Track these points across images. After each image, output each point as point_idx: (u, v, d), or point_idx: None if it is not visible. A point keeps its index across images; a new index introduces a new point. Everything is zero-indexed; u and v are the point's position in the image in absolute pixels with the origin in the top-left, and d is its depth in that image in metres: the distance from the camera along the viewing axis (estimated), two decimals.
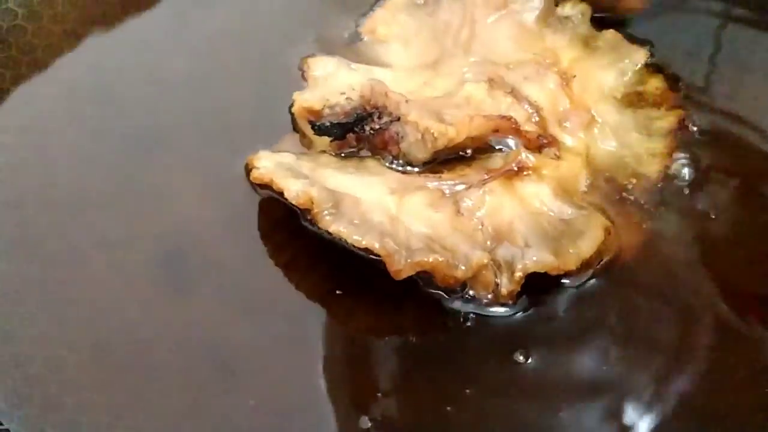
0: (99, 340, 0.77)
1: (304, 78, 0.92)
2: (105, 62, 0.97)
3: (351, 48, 0.97)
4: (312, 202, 0.76)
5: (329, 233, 0.76)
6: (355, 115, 0.83)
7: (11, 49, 0.96)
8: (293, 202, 0.76)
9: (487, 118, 0.83)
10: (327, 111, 0.84)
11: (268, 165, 0.81)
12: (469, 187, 0.81)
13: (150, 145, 0.90)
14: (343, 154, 0.85)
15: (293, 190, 0.76)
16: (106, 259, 0.82)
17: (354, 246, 0.75)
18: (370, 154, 0.85)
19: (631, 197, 0.87)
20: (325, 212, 0.76)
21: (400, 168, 0.84)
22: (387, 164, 0.84)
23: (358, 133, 0.84)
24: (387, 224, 0.77)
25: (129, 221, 0.85)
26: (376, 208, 0.78)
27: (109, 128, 0.91)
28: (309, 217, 0.77)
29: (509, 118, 0.84)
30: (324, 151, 0.86)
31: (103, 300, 0.80)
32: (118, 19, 0.99)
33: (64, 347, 0.77)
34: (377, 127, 0.83)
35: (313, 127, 0.83)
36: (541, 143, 0.86)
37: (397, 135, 0.83)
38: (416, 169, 0.84)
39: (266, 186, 0.80)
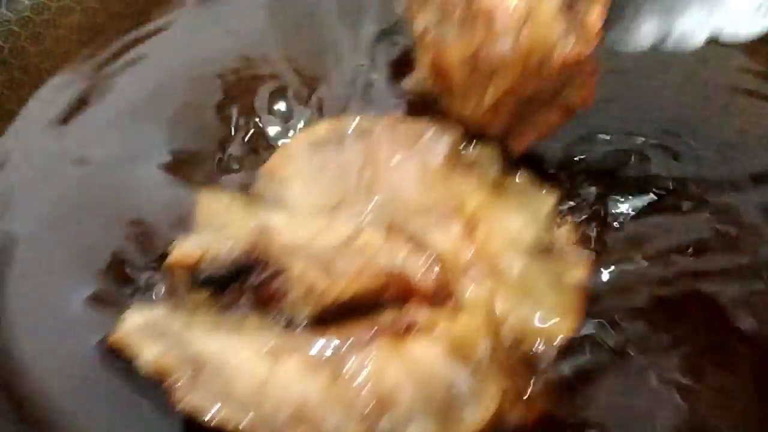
0: None
1: (193, 218, 0.87)
2: None
3: (250, 186, 0.92)
4: (166, 372, 0.69)
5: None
6: (235, 268, 0.77)
7: None
8: (145, 371, 0.70)
9: (375, 273, 0.78)
10: (209, 261, 0.78)
11: (135, 322, 0.75)
12: (353, 348, 0.75)
13: None
14: (222, 310, 0.79)
15: (148, 357, 0.70)
16: None
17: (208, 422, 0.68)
18: (253, 308, 0.79)
19: (536, 359, 0.80)
20: (181, 382, 0.69)
21: (284, 324, 0.78)
22: (271, 320, 0.78)
23: (240, 287, 0.78)
24: (251, 396, 0.70)
25: None
26: (243, 375, 0.71)
27: None
28: (165, 388, 0.70)
29: (400, 273, 0.78)
30: (204, 306, 0.79)
31: None
32: None
33: None
34: (259, 281, 0.77)
35: (188, 282, 0.78)
36: (437, 298, 0.80)
37: (280, 290, 0.78)
38: (301, 326, 0.78)
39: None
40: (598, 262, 0.86)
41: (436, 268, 0.80)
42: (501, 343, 0.80)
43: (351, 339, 0.75)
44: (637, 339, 0.81)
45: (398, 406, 0.72)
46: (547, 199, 0.90)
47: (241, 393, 0.70)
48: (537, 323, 0.82)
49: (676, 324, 0.82)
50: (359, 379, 0.73)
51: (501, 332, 0.80)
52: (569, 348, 0.80)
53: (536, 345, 0.81)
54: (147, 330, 0.73)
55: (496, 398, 0.74)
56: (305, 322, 0.78)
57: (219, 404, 0.68)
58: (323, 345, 0.75)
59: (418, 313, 0.77)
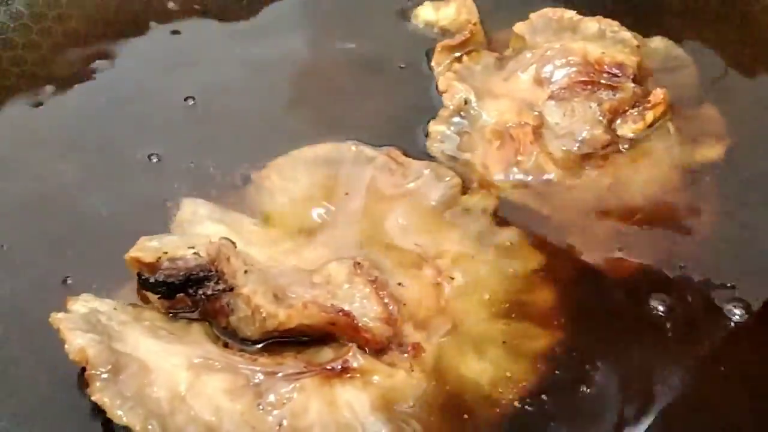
0: None
1: (172, 217, 0.88)
2: None
3: (238, 191, 0.93)
4: (88, 362, 0.70)
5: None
6: (188, 277, 0.77)
7: None
8: (70, 357, 0.71)
9: (322, 308, 0.77)
10: (166, 264, 0.78)
11: (79, 310, 0.76)
12: (280, 380, 0.74)
13: None
14: (171, 313, 0.79)
15: (74, 344, 0.70)
16: None
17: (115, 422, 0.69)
18: (199, 318, 0.79)
19: (474, 427, 0.77)
20: (100, 376, 0.70)
21: (225, 341, 0.78)
22: (213, 333, 0.78)
23: (191, 295, 0.78)
24: (166, 403, 0.70)
25: None
26: (163, 383, 0.71)
27: None
28: (85, 377, 0.71)
29: (348, 314, 0.77)
30: (158, 306, 0.80)
31: None
32: None
33: None
34: (210, 293, 0.77)
35: (139, 281, 0.78)
36: (380, 348, 0.78)
37: (228, 306, 0.78)
38: (240, 346, 0.78)
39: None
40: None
41: (386, 321, 0.78)
42: (438, 402, 0.77)
43: (282, 369, 0.74)
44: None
45: None
46: (528, 259, 0.87)
47: (156, 400, 0.70)
48: (484, 388, 0.78)
49: None
50: (277, 412, 0.72)
51: (442, 393, 0.78)
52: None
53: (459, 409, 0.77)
54: (86, 319, 0.74)
55: None
56: (246, 343, 0.77)
57: (129, 405, 0.68)
58: (253, 370, 0.74)
59: (357, 358, 0.75)
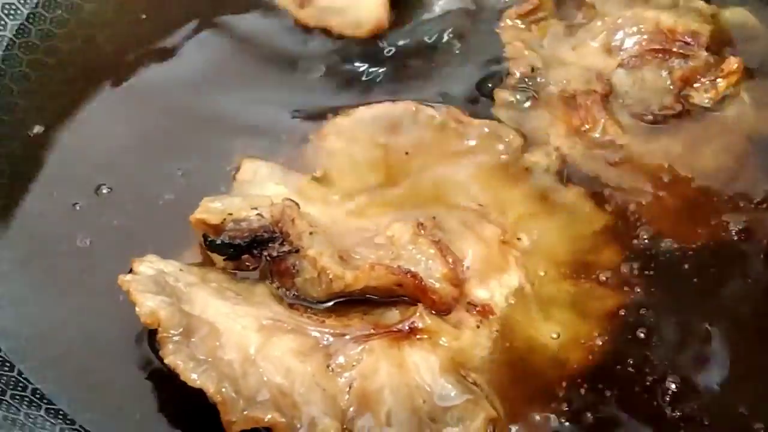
0: None
1: (233, 178, 0.88)
2: None
3: (297, 150, 0.92)
4: (160, 325, 0.70)
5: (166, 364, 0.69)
6: (253, 238, 0.77)
7: None
8: (141, 320, 0.71)
9: (390, 270, 0.76)
10: (231, 225, 0.78)
11: (146, 272, 0.75)
12: (350, 342, 0.74)
13: None
14: (235, 274, 0.79)
15: (145, 307, 0.70)
16: None
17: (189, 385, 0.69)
18: (265, 279, 0.79)
19: (543, 389, 0.76)
20: (172, 338, 0.70)
21: (291, 302, 0.77)
22: (280, 294, 0.78)
23: (256, 257, 0.78)
24: (238, 366, 0.70)
25: None
26: (233, 345, 0.71)
27: None
28: (157, 340, 0.71)
29: (415, 275, 0.76)
30: (222, 267, 0.80)
31: None
32: None
33: None
34: (275, 254, 0.77)
35: (205, 243, 0.78)
36: (445, 308, 0.77)
37: (294, 268, 0.77)
38: (307, 307, 0.77)
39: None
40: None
41: (452, 281, 0.77)
42: (508, 362, 0.76)
43: (350, 331, 0.74)
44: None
45: (380, 409, 0.70)
46: (594, 219, 0.86)
47: (228, 362, 0.70)
48: (552, 350, 0.77)
49: None
50: (347, 374, 0.72)
51: (511, 353, 0.77)
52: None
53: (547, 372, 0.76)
54: (154, 281, 0.73)
55: (486, 422, 0.71)
56: (312, 304, 0.77)
57: (203, 368, 0.68)
58: (321, 332, 0.74)
59: (424, 319, 0.74)
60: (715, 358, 0.78)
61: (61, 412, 0.75)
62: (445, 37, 1.03)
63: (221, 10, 1.08)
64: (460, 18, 1.05)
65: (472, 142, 0.90)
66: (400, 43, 1.03)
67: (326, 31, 1.04)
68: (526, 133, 0.92)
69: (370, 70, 1.00)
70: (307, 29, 1.04)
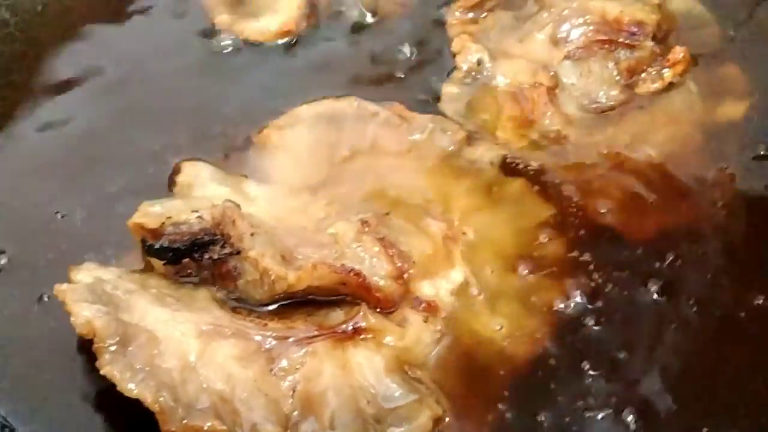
0: None
1: (172, 181, 0.86)
2: None
3: (240, 153, 0.90)
4: (96, 335, 0.69)
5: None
6: (193, 241, 0.76)
7: None
8: (77, 331, 0.69)
9: (333, 269, 0.75)
10: (170, 228, 0.76)
11: (84, 280, 0.74)
12: (293, 344, 0.73)
13: None
14: (177, 279, 0.78)
15: (80, 317, 0.69)
16: None
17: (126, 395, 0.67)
18: (206, 282, 0.78)
19: (489, 383, 0.76)
20: (108, 348, 0.68)
21: (234, 305, 0.76)
22: (222, 297, 0.77)
23: (197, 260, 0.76)
24: (177, 374, 0.69)
25: None
26: (172, 352, 0.70)
27: None
28: (93, 350, 0.70)
29: (358, 274, 0.75)
30: (163, 272, 0.78)
31: None
32: None
33: None
34: (216, 257, 0.76)
35: (143, 247, 0.76)
36: (393, 305, 0.77)
37: (236, 270, 0.76)
38: (250, 310, 0.76)
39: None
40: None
41: (397, 279, 0.77)
42: (454, 359, 0.76)
43: (293, 333, 0.73)
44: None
45: (323, 411, 0.70)
46: (539, 212, 0.85)
47: (166, 370, 0.69)
48: (498, 344, 0.77)
49: None
50: (291, 378, 0.71)
51: (458, 349, 0.76)
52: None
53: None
54: (91, 289, 0.72)
55: (431, 421, 0.71)
56: (255, 307, 0.76)
57: (140, 377, 0.67)
58: (264, 335, 0.73)
59: (368, 318, 0.74)
60: (661, 352, 0.77)
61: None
62: (392, 34, 1.02)
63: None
64: (404, 11, 1.04)
65: (417, 137, 0.89)
66: (341, 41, 1.03)
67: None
68: (472, 127, 0.92)
69: (308, 69, 0.99)
70: (229, 33, 1.03)
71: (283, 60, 1.01)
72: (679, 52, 0.93)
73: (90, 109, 0.96)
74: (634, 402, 0.74)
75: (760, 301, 0.80)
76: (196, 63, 1.01)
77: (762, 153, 0.90)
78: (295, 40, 1.02)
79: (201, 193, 0.84)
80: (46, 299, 0.79)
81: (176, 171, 0.87)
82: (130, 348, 0.69)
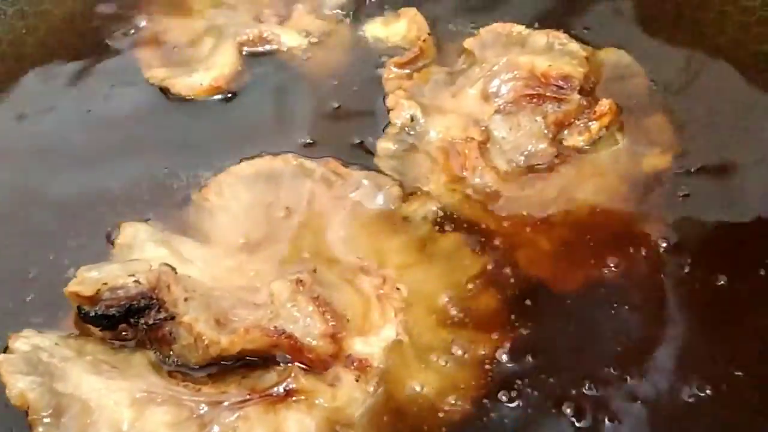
0: None
1: (110, 243, 0.88)
2: None
3: (180, 211, 0.92)
4: (30, 407, 0.70)
5: None
6: (128, 307, 0.77)
7: None
8: (11, 402, 0.71)
9: (265, 332, 0.77)
10: (107, 294, 0.78)
11: (21, 348, 0.76)
12: (225, 409, 0.75)
13: None
14: (113, 343, 0.79)
15: (15, 389, 0.71)
16: None
17: None
18: (143, 347, 0.79)
19: None
20: (42, 420, 0.70)
21: (170, 369, 0.78)
22: (160, 362, 0.78)
23: (133, 325, 0.78)
24: None
25: None
26: (105, 421, 0.72)
27: None
28: (27, 422, 0.71)
29: (290, 336, 0.77)
30: (101, 336, 0.80)
31: None
32: None
33: None
34: (151, 322, 0.77)
35: (79, 315, 0.78)
36: (326, 364, 0.79)
37: (171, 334, 0.78)
38: (185, 375, 0.78)
39: None
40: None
41: (330, 338, 0.79)
42: (384, 419, 0.78)
43: (226, 398, 0.75)
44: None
45: None
46: (471, 265, 0.88)
47: None
48: (430, 399, 0.79)
49: None
50: None
51: (387, 406, 0.79)
52: None
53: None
54: (27, 359, 0.74)
55: None
56: (191, 370, 0.78)
57: None
58: (196, 401, 0.75)
59: (299, 380, 0.76)
60: (594, 404, 0.80)
61: None
62: (328, 90, 1.04)
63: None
64: (342, 66, 1.07)
65: (352, 194, 0.91)
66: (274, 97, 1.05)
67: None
68: (407, 182, 0.94)
69: (244, 125, 1.01)
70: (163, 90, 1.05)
71: (220, 116, 1.02)
72: (605, 105, 0.96)
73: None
74: None
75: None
76: (135, 116, 1.03)
77: (687, 202, 0.93)
78: (230, 95, 1.04)
79: (140, 254, 0.85)
80: None
81: (117, 233, 0.88)
82: (63, 419, 0.71)
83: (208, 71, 1.04)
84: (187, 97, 1.04)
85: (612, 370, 0.81)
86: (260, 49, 1.09)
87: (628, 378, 0.81)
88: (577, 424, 0.78)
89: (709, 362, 0.82)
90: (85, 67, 1.09)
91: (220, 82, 1.04)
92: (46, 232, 0.91)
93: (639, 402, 0.80)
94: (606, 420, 0.79)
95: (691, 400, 0.79)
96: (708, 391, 0.80)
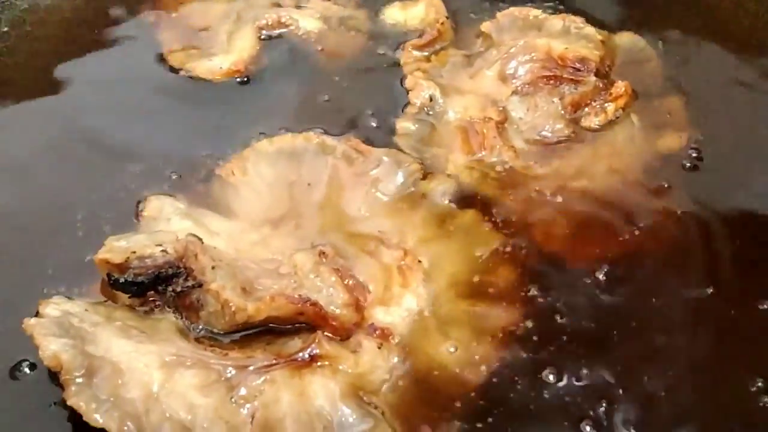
0: None
1: (138, 216, 0.90)
2: None
3: (204, 186, 0.94)
4: (62, 367, 0.72)
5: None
6: (157, 275, 0.79)
7: None
8: (44, 363, 0.72)
9: (290, 300, 0.79)
10: (135, 262, 0.80)
11: (52, 313, 0.77)
12: (252, 373, 0.76)
13: None
14: (141, 310, 0.81)
15: (48, 350, 0.72)
16: None
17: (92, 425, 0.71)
18: (170, 313, 0.81)
19: (442, 407, 0.79)
20: (75, 380, 0.71)
21: (197, 335, 0.80)
22: (185, 327, 0.80)
23: (161, 293, 0.80)
24: (140, 404, 0.72)
25: None
26: (136, 383, 0.73)
27: None
28: (60, 382, 0.73)
29: (315, 304, 0.79)
30: (129, 303, 0.82)
31: None
32: None
33: None
34: (179, 289, 0.79)
35: (109, 282, 0.80)
36: (348, 332, 0.80)
37: (198, 302, 0.79)
38: (212, 340, 0.80)
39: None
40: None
41: (353, 307, 0.80)
42: (408, 385, 0.80)
43: (253, 362, 0.77)
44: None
45: None
46: (489, 241, 0.89)
47: (130, 401, 0.72)
48: (451, 369, 0.81)
49: None
50: (249, 405, 0.74)
51: (411, 375, 0.80)
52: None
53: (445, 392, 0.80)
54: (58, 322, 0.75)
55: None
56: (218, 336, 0.79)
57: (105, 408, 0.70)
58: (224, 364, 0.76)
59: (323, 345, 0.77)
60: (609, 376, 0.81)
61: None
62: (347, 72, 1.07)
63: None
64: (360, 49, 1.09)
65: (373, 172, 0.93)
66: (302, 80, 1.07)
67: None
68: (426, 161, 0.96)
69: (264, 106, 1.03)
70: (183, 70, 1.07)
71: (240, 97, 1.05)
72: (620, 87, 0.98)
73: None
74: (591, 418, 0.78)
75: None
76: (156, 96, 1.05)
77: (701, 183, 0.95)
78: (247, 78, 1.06)
79: (166, 227, 0.87)
80: None
81: (144, 205, 0.90)
82: (95, 380, 0.72)
83: (228, 55, 1.06)
84: (207, 80, 1.06)
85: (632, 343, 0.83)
86: (278, 32, 1.11)
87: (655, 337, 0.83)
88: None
89: None
90: (106, 51, 1.11)
91: (240, 66, 1.06)
92: (76, 201, 0.93)
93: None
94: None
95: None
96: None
